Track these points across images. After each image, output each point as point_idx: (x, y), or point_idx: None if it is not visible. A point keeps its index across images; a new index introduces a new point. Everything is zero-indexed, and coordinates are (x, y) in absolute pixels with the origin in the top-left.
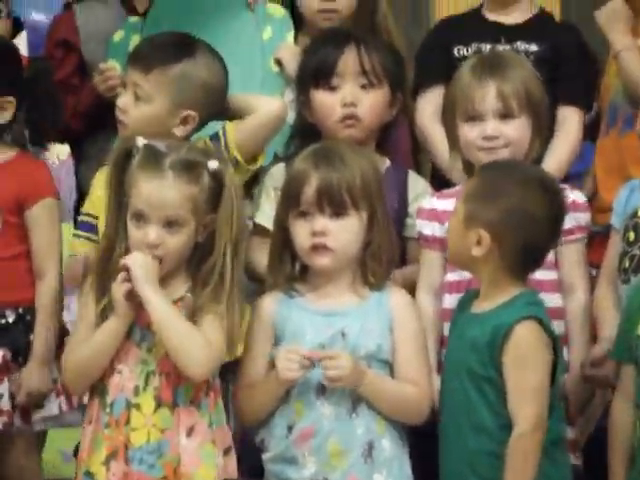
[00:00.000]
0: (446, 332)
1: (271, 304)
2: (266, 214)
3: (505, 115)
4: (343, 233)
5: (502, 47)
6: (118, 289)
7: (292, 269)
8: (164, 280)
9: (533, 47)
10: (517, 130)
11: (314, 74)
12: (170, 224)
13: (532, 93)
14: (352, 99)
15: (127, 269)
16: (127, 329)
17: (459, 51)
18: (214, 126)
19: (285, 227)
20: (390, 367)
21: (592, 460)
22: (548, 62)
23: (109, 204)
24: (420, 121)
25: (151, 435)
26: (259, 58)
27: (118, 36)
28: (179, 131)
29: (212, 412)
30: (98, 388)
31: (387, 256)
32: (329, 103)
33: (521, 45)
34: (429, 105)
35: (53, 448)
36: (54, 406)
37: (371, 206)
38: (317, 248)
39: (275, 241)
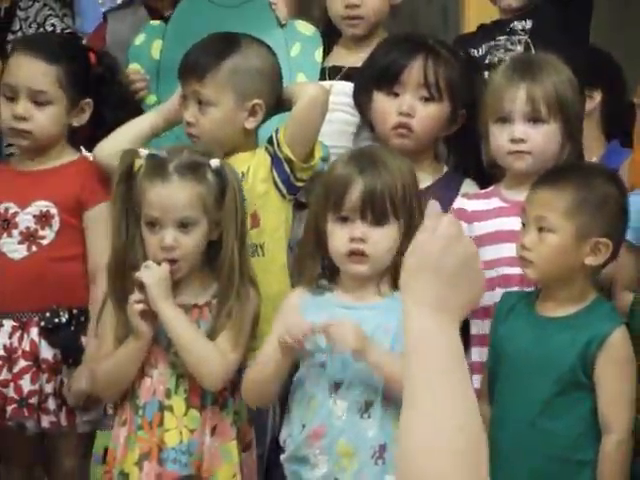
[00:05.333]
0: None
1: (296, 299)
2: None
3: (534, 119)
4: (382, 241)
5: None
6: (133, 310)
7: (322, 270)
8: (184, 284)
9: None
10: (544, 136)
11: (379, 76)
12: (184, 225)
13: (564, 99)
14: (408, 109)
15: (141, 283)
16: (152, 337)
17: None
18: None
19: (321, 228)
20: None
21: None
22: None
23: (115, 218)
24: None
25: (183, 436)
26: (286, 74)
27: (139, 40)
28: (250, 123)
29: (237, 410)
30: (128, 392)
31: None
32: (387, 108)
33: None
34: None
35: None
36: (99, 409)
37: (410, 214)
38: (354, 254)
39: (307, 241)
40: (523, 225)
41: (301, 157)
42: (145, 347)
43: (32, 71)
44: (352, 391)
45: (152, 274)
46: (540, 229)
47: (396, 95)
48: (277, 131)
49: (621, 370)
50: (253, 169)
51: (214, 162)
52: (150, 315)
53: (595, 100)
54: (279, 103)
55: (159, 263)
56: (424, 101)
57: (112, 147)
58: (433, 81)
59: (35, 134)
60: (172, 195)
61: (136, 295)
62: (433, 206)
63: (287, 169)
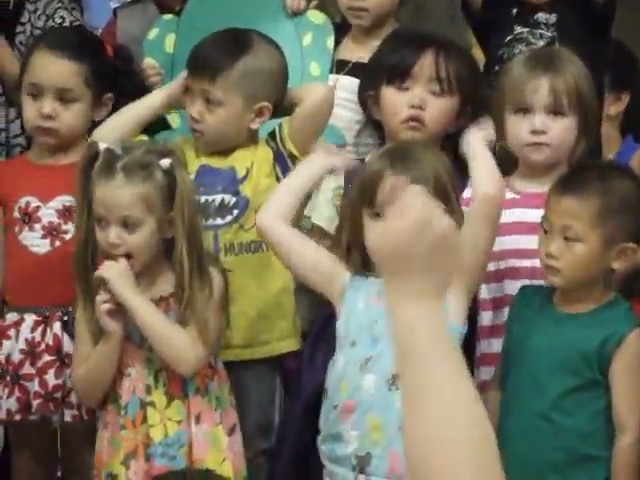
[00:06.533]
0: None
1: (345, 276)
2: (323, 215)
3: (554, 111)
4: None
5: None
6: (100, 311)
7: (362, 263)
8: (148, 276)
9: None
10: (563, 129)
11: (389, 72)
12: (127, 224)
13: (583, 92)
14: (420, 102)
15: (103, 280)
16: (125, 337)
17: None
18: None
19: (356, 223)
20: None
21: None
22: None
23: (78, 210)
24: None
25: (168, 429)
26: (299, 63)
27: (153, 34)
28: (255, 124)
29: (217, 396)
30: (110, 395)
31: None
32: (397, 102)
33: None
34: None
35: None
36: None
37: (446, 204)
38: None
39: (341, 235)
40: (545, 232)
41: (304, 153)
42: (118, 347)
43: (58, 70)
44: (380, 365)
45: (111, 269)
46: (566, 238)
47: (406, 89)
48: (280, 126)
49: (637, 370)
50: (257, 165)
51: (164, 162)
52: (118, 313)
53: (624, 102)
54: (282, 104)
55: (114, 259)
56: (435, 95)
57: (109, 130)
58: (445, 75)
59: (62, 132)
60: (115, 194)
61: (101, 295)
62: (415, 188)
63: (290, 164)
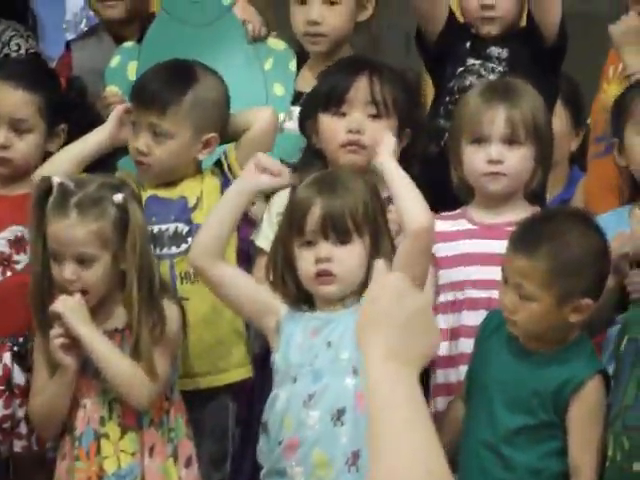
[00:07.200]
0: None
1: (281, 309)
2: (268, 238)
3: (511, 141)
4: (348, 259)
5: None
6: (54, 345)
7: (297, 291)
8: (103, 309)
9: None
10: (520, 159)
11: (324, 98)
12: (82, 260)
13: (539, 123)
14: (358, 127)
15: (58, 316)
16: (80, 368)
17: None
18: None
19: (288, 253)
20: None
21: None
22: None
23: (32, 243)
24: None
25: (121, 460)
26: (262, 86)
27: (114, 62)
28: (202, 155)
29: (172, 428)
30: (67, 425)
31: None
32: (335, 128)
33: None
34: None
35: None
36: None
37: (375, 230)
38: (322, 275)
39: (276, 265)
40: (504, 281)
41: None
42: (72, 381)
43: (13, 100)
44: (324, 401)
45: (66, 303)
46: (520, 295)
47: (343, 115)
48: (225, 154)
49: (592, 416)
50: (206, 194)
51: (117, 197)
52: (72, 348)
53: (580, 138)
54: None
55: (70, 293)
56: (372, 118)
57: (49, 171)
58: (380, 98)
59: (15, 162)
60: (69, 231)
61: (55, 330)
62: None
63: None
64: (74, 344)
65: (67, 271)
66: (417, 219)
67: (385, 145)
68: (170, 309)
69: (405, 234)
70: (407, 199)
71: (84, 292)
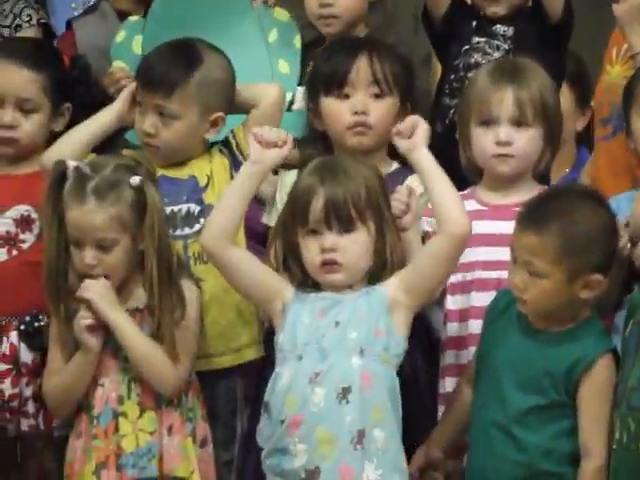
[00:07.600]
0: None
1: (288, 292)
2: None
3: (519, 122)
4: (353, 247)
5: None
6: (80, 326)
7: (303, 275)
8: (124, 289)
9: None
10: (528, 141)
11: (326, 82)
12: (102, 246)
13: (548, 103)
14: (363, 107)
15: (85, 300)
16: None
17: None
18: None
19: (292, 239)
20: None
21: None
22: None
23: (47, 228)
24: None
25: (140, 439)
26: (266, 60)
27: (120, 37)
28: (210, 134)
29: (191, 408)
30: (83, 404)
31: (398, 261)
32: (339, 110)
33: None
34: None
35: None
36: None
37: (378, 215)
38: (327, 264)
39: (280, 250)
40: (514, 260)
41: None
42: (95, 361)
43: (18, 80)
44: (330, 379)
45: (94, 289)
46: (529, 272)
47: (346, 96)
48: (233, 133)
49: (603, 396)
50: (216, 173)
51: (134, 180)
52: (97, 329)
53: (587, 117)
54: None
55: (91, 277)
56: (376, 98)
57: (58, 153)
58: (382, 77)
59: (22, 142)
60: (88, 218)
61: (83, 313)
62: None
63: None
64: (99, 326)
65: (88, 256)
66: (459, 221)
67: (419, 136)
68: (189, 290)
69: (442, 233)
70: (448, 200)
71: (105, 276)
